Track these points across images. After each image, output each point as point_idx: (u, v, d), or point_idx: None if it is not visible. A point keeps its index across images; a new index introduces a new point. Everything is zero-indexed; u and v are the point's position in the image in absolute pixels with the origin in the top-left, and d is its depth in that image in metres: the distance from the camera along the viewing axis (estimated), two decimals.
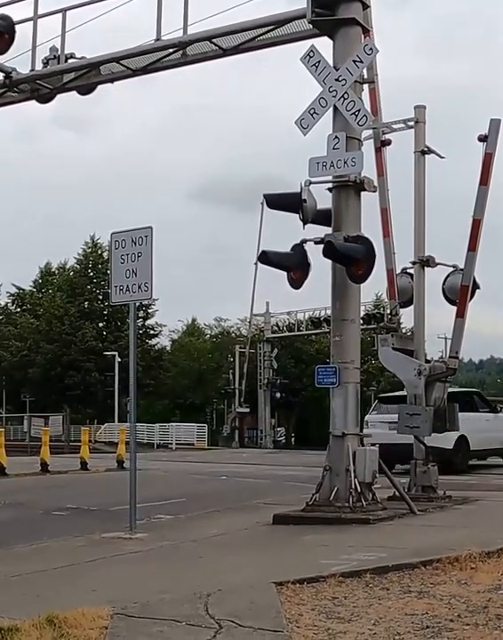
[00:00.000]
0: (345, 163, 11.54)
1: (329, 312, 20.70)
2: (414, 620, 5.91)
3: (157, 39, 13.40)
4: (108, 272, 12.39)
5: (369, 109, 12.68)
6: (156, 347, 71.78)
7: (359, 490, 11.40)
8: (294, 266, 12.20)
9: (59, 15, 14.29)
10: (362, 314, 20.05)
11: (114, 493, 14.05)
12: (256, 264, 45.91)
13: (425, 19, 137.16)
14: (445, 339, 45.20)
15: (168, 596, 6.61)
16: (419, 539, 9.73)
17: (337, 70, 11.73)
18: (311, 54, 11.90)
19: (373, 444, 12.15)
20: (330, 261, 11.92)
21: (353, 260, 11.67)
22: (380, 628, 5.71)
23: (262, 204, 34.77)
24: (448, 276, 14.27)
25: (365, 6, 12.32)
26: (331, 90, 11.69)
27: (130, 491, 10.44)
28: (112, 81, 14.91)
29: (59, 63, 14.45)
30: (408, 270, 14.60)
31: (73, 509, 13.57)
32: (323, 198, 12.05)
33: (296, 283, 12.25)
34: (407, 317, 15.06)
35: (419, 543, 9.20)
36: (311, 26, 12.28)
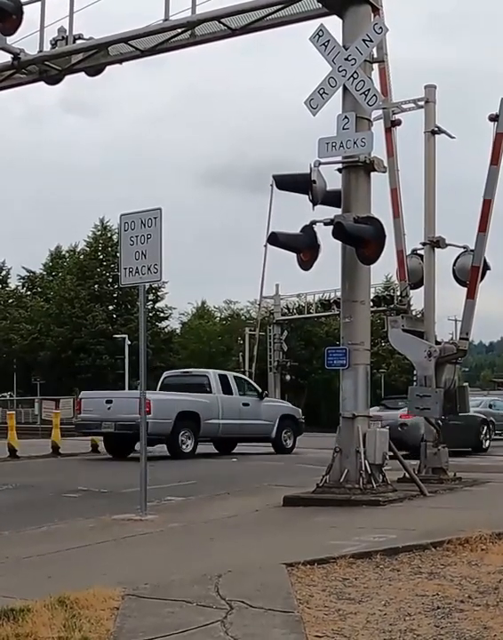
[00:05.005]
0: (354, 143, 11.46)
1: (339, 294, 20.66)
2: (425, 600, 5.92)
3: (166, 19, 13.33)
4: (118, 254, 12.36)
5: (379, 89, 12.58)
6: (166, 329, 71.98)
7: (369, 471, 11.40)
8: (304, 247, 12.14)
9: None
10: (372, 295, 19.96)
11: (124, 476, 14.09)
12: (266, 246, 45.73)
13: None
14: (455, 320, 45.06)
15: (179, 577, 6.63)
16: (430, 520, 9.73)
17: (346, 49, 11.63)
18: (320, 33, 11.78)
19: None
20: (340, 242, 11.87)
21: (363, 240, 11.61)
22: (391, 608, 5.72)
23: (272, 185, 34.63)
24: (458, 256, 14.20)
25: None
26: (340, 69, 11.59)
27: (140, 473, 10.46)
28: (120, 62, 14.86)
29: (67, 44, 14.40)
30: (418, 251, 14.54)
31: (84, 491, 13.61)
32: (332, 179, 12.00)
33: (306, 264, 12.21)
34: (417, 299, 15.01)
35: (430, 524, 9.20)
36: (320, 5, 12.20)
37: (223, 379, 21.99)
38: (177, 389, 21.28)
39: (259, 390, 22.74)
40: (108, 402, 20.31)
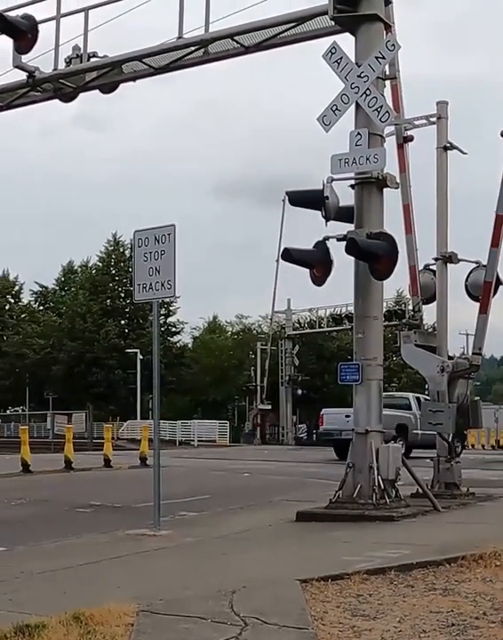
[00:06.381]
0: (367, 159, 11.50)
1: (350, 309, 20.93)
2: (439, 617, 5.90)
3: (179, 37, 13.43)
4: (130, 270, 12.42)
5: (391, 105, 12.64)
6: (178, 344, 72.10)
7: (382, 487, 11.38)
8: (316, 263, 12.19)
9: (82, 14, 14.35)
10: (384, 310, 20.21)
11: (137, 490, 14.10)
12: (278, 261, 45.99)
13: (444, 12, 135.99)
14: (467, 335, 44.97)
15: (193, 592, 6.64)
16: (443, 536, 9.71)
17: (359, 66, 11.69)
18: (333, 51, 11.86)
19: None
20: (352, 258, 11.91)
21: (375, 256, 11.65)
22: (406, 625, 5.71)
23: (284, 201, 34.90)
24: (471, 272, 14.23)
25: (387, 2, 12.29)
26: (353, 86, 11.66)
27: (154, 487, 10.47)
28: (134, 79, 14.96)
29: (81, 62, 14.50)
30: (430, 267, 14.57)
31: (97, 506, 13.64)
32: (345, 195, 12.04)
33: (318, 280, 12.24)
34: (429, 314, 15.02)
35: (443, 540, 9.17)
36: (333, 22, 12.26)
37: (417, 399, 26.92)
38: None
39: None
40: (347, 416, 24.42)
